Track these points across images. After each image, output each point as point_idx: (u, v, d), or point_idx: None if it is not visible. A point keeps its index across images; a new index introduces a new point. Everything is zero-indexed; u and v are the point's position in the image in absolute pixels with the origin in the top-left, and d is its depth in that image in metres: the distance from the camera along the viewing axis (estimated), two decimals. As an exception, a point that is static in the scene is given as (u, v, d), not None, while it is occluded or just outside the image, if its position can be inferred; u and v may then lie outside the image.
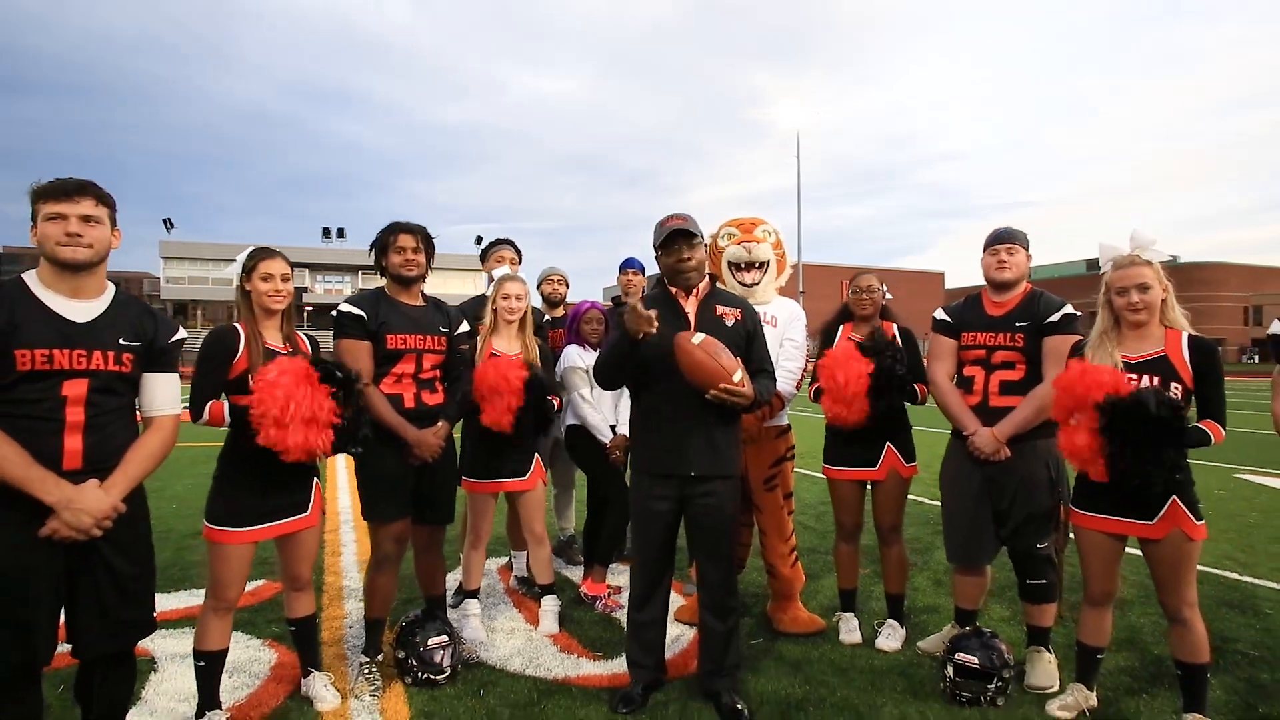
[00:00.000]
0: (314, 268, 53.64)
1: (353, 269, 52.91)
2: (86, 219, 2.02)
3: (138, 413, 2.23)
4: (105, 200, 2.09)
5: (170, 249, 52.24)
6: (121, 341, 2.09)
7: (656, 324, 2.64)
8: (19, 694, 2.03)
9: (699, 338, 2.66)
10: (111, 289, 2.15)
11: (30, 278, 2.04)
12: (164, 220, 51.78)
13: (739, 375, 2.65)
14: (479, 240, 57.56)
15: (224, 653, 2.68)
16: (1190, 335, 2.61)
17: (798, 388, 3.62)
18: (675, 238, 2.87)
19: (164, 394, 2.23)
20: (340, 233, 56.67)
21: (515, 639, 3.55)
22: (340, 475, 7.82)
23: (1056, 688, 3.00)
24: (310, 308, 47.60)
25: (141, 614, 2.20)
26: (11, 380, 1.92)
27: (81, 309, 2.05)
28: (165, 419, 2.23)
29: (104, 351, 2.05)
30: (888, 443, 3.41)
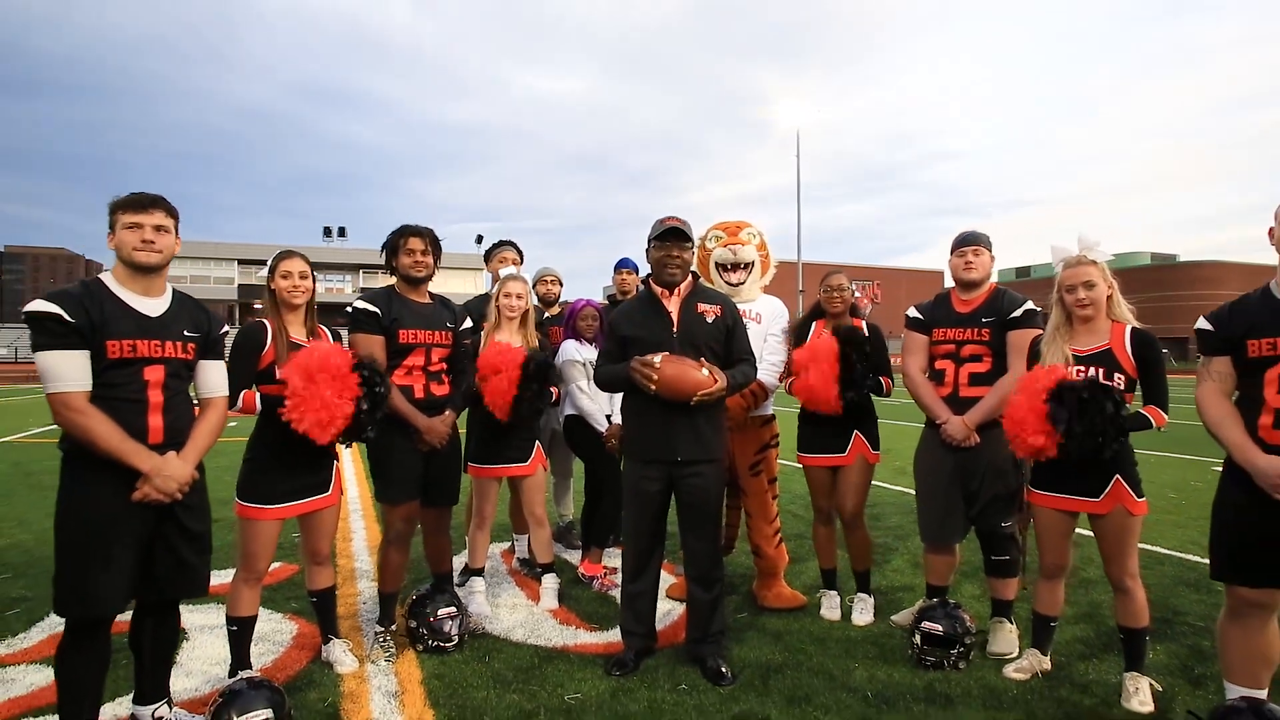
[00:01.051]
0: (315, 267, 53.65)
1: (354, 268, 53.20)
2: (158, 228, 2.32)
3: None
4: (172, 212, 2.38)
5: (172, 248, 52.57)
6: (185, 333, 2.39)
7: (656, 374, 2.97)
8: (95, 638, 2.31)
9: (658, 358, 2.98)
10: (171, 288, 2.44)
11: (108, 278, 2.33)
12: (166, 219, 52.14)
13: (705, 373, 2.97)
14: (479, 239, 57.84)
15: (254, 619, 2.95)
16: (1133, 328, 2.87)
17: (780, 380, 3.87)
18: (671, 234, 3.14)
19: (217, 378, 2.54)
20: (341, 232, 56.92)
21: (518, 613, 3.82)
22: (348, 468, 8.08)
23: (1016, 654, 3.26)
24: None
25: (206, 566, 2.51)
26: (103, 366, 2.22)
27: (152, 305, 2.35)
28: (219, 400, 2.54)
29: (173, 341, 2.35)
30: (856, 431, 3.67)
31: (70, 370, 2.17)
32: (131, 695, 2.57)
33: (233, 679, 2.65)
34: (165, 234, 2.35)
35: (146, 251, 2.30)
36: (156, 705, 2.55)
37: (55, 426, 2.19)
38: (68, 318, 2.17)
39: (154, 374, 2.31)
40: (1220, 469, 2.51)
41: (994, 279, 3.48)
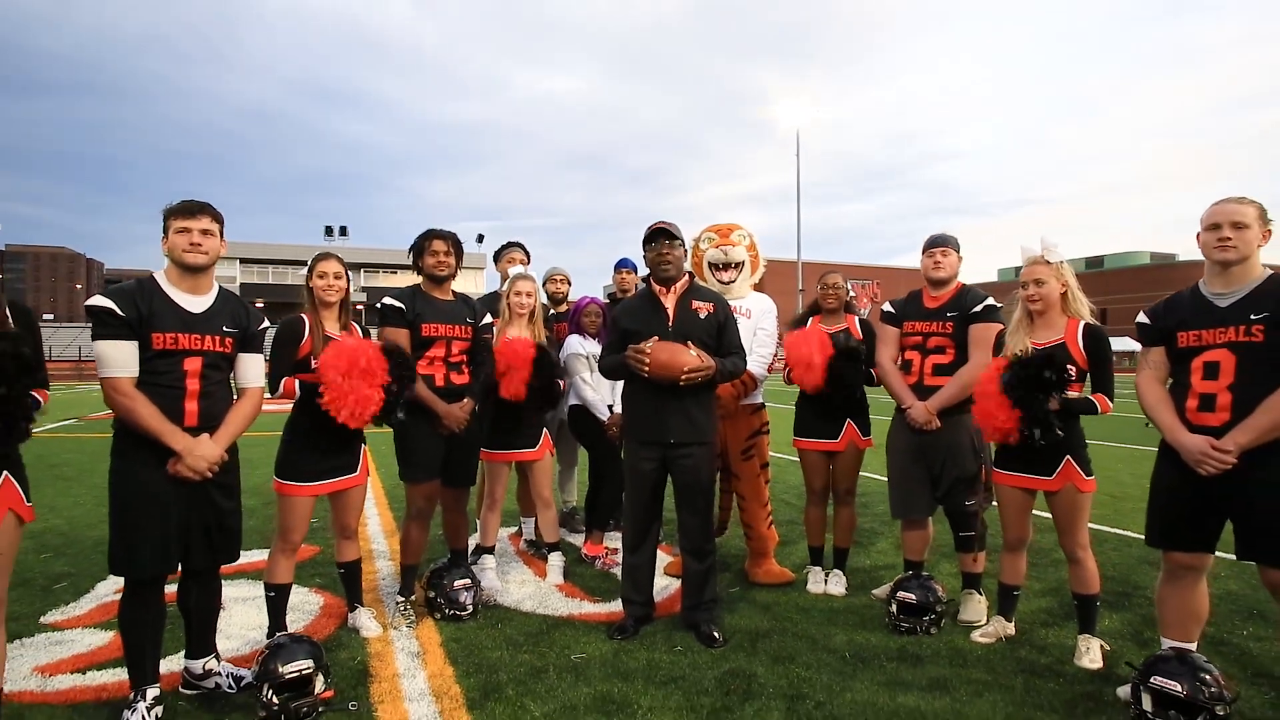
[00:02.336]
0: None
1: (354, 267, 53.51)
2: (204, 232, 2.60)
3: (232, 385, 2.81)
4: (218, 218, 2.66)
5: (173, 247, 52.91)
6: (225, 328, 2.66)
7: (649, 358, 3.28)
8: (151, 595, 2.61)
9: (649, 344, 3.30)
10: (217, 286, 2.72)
11: (160, 277, 2.62)
12: (168, 219, 52.48)
13: (694, 353, 3.28)
14: (480, 238, 58.02)
15: (289, 586, 3.26)
16: (1085, 324, 3.17)
17: (770, 370, 4.18)
18: (658, 235, 3.46)
19: (254, 370, 2.81)
20: (343, 230, 57.27)
21: (526, 587, 4.13)
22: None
23: (985, 622, 3.56)
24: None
25: (235, 539, 2.79)
26: (149, 356, 2.50)
27: (197, 302, 2.63)
28: (255, 390, 2.81)
29: (212, 336, 2.62)
30: (848, 419, 3.98)
31: (120, 358, 2.47)
32: (183, 652, 2.87)
33: (276, 635, 2.95)
34: (211, 237, 2.63)
35: (194, 253, 2.59)
36: (205, 659, 2.85)
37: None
38: (119, 312, 2.47)
39: (192, 364, 2.59)
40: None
41: (960, 278, 3.77)
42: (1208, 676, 2.51)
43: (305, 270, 3.28)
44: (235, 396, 2.79)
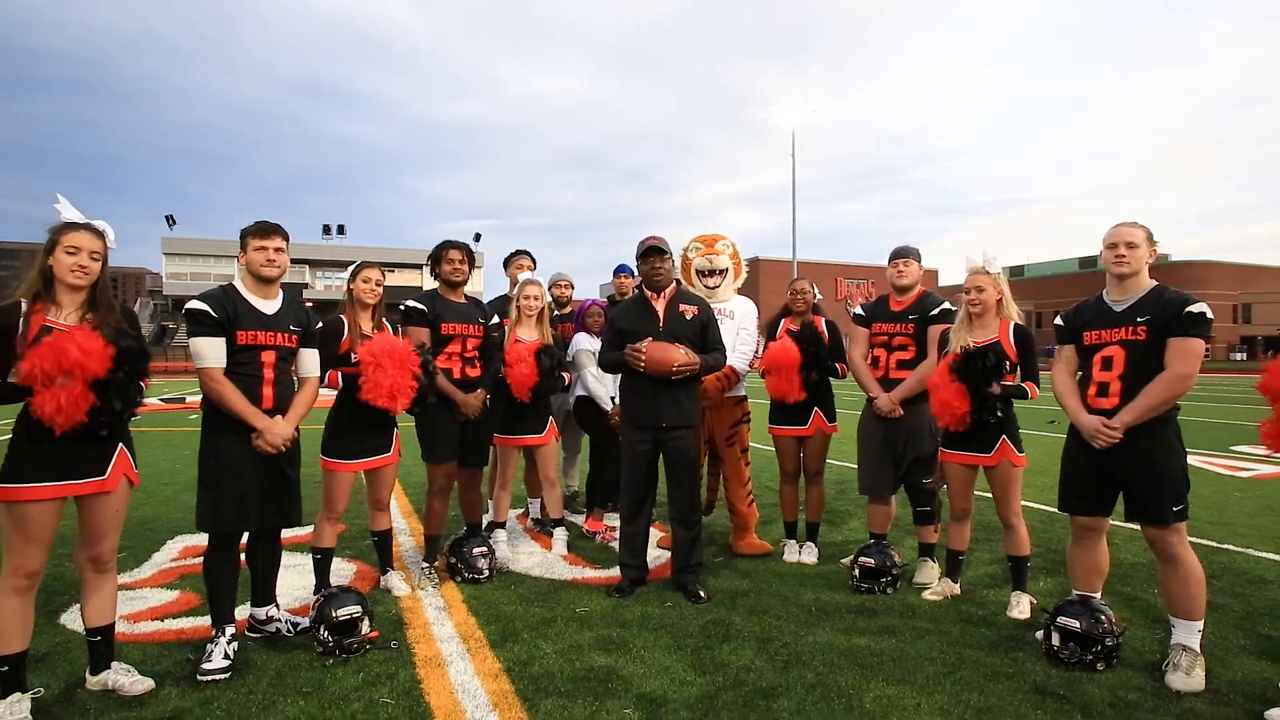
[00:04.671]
0: (314, 264, 54.51)
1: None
2: (277, 249, 3.12)
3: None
4: (287, 236, 3.18)
5: (172, 245, 53.29)
6: (291, 327, 3.18)
7: (644, 355, 3.81)
8: (230, 549, 3.12)
9: (645, 344, 3.83)
10: (283, 292, 3.23)
11: (239, 284, 3.13)
12: (166, 217, 52.91)
13: (682, 352, 3.81)
14: (478, 237, 58.39)
15: (332, 550, 3.79)
16: (1015, 325, 3.71)
17: (751, 366, 4.71)
18: (650, 251, 3.98)
19: (311, 362, 3.33)
20: (340, 229, 57.56)
21: (535, 557, 4.65)
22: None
23: (936, 584, 4.09)
24: (311, 304, 48.50)
25: (298, 504, 3.29)
26: (234, 350, 3.01)
27: (270, 305, 3.14)
28: (313, 379, 3.33)
29: (282, 333, 3.13)
30: (815, 408, 4.51)
31: (212, 351, 2.98)
32: (249, 601, 3.38)
33: (328, 587, 3.47)
34: (282, 253, 3.15)
35: (270, 267, 3.11)
36: (267, 607, 3.38)
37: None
38: (212, 313, 2.98)
39: (268, 357, 3.11)
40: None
41: (921, 285, 4.30)
42: (1102, 617, 3.04)
43: (348, 274, 3.81)
44: (296, 386, 3.30)
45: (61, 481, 2.59)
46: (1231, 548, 4.91)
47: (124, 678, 2.81)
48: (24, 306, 2.56)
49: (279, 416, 3.10)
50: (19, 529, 2.53)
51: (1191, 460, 8.70)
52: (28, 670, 2.67)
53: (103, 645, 2.83)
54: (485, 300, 4.74)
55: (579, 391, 5.18)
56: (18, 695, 2.57)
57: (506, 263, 5.49)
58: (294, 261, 58.57)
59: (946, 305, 4.16)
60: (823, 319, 4.64)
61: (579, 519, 5.59)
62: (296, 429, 3.21)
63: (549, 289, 5.38)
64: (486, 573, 4.15)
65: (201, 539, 4.05)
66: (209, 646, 3.02)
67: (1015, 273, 78.10)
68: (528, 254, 5.48)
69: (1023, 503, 3.83)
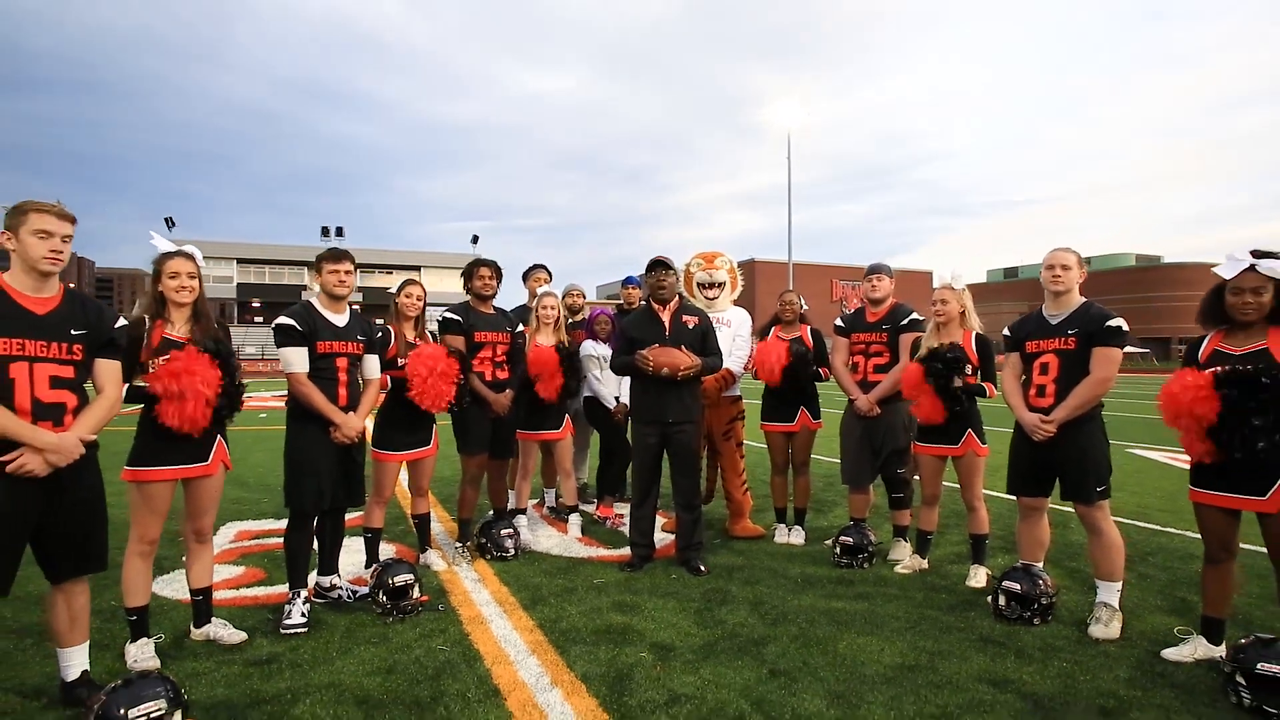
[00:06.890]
0: (313, 266, 54.43)
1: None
2: (348, 272, 3.68)
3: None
4: (354, 261, 3.73)
5: (171, 247, 53.42)
6: (358, 336, 3.74)
7: (652, 359, 4.35)
8: (308, 523, 3.67)
9: (652, 350, 4.38)
10: (349, 307, 3.78)
11: (314, 301, 3.69)
12: (165, 219, 53.25)
13: (686, 354, 4.38)
14: (475, 239, 58.87)
15: (381, 530, 4.35)
16: (976, 334, 4.29)
17: (745, 369, 5.29)
18: (657, 265, 4.55)
19: (375, 366, 3.89)
20: (339, 231, 57.83)
21: (553, 539, 5.22)
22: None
23: (907, 559, 4.67)
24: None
25: (363, 488, 3.85)
26: (315, 357, 3.56)
27: (341, 319, 3.70)
28: (375, 381, 3.89)
29: (352, 342, 3.70)
30: (801, 406, 5.09)
31: (298, 359, 3.55)
32: (315, 570, 3.94)
33: (380, 561, 4.04)
34: (351, 275, 3.72)
35: (341, 287, 3.68)
36: (331, 576, 3.94)
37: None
38: (297, 327, 3.54)
39: (341, 363, 3.67)
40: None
41: (892, 298, 4.87)
42: (1040, 581, 3.62)
43: (394, 288, 4.38)
44: (362, 387, 3.86)
45: (177, 466, 3.15)
46: (1173, 530, 5.51)
47: (223, 630, 3.37)
48: (146, 323, 3.11)
49: (352, 413, 3.66)
50: (145, 503, 3.10)
51: (1153, 456, 9.50)
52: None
53: (204, 603, 3.39)
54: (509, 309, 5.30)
55: (586, 392, 5.75)
56: (144, 639, 3.14)
57: (525, 276, 6.05)
58: (293, 263, 58.54)
59: (915, 315, 4.73)
60: (808, 328, 5.21)
61: (589, 508, 6.15)
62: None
63: (563, 299, 5.95)
64: (513, 552, 4.72)
65: (252, 525, 4.66)
66: (286, 607, 3.58)
67: (1010, 274, 78.75)
68: (544, 268, 6.05)
69: (987, 492, 4.40)
